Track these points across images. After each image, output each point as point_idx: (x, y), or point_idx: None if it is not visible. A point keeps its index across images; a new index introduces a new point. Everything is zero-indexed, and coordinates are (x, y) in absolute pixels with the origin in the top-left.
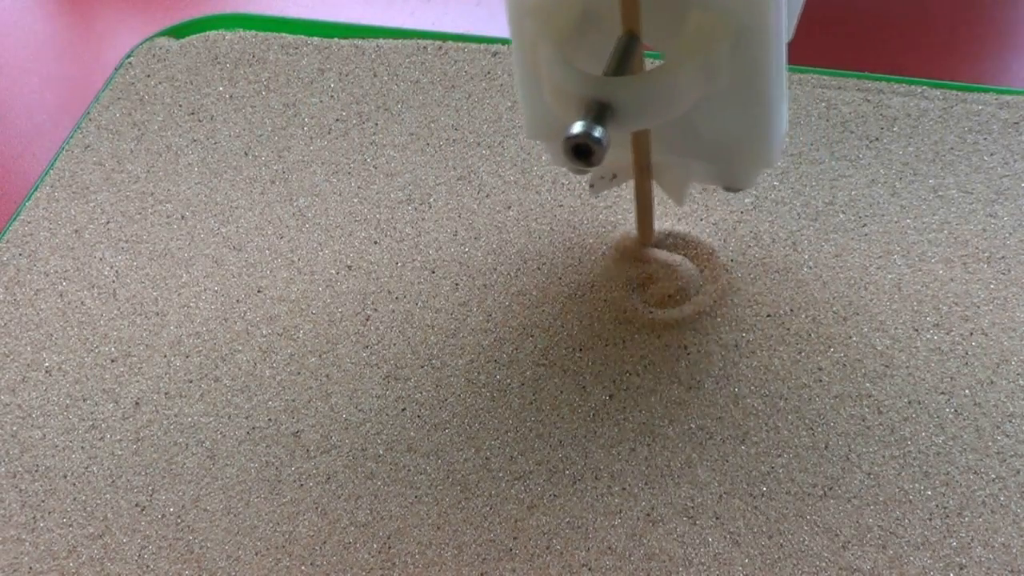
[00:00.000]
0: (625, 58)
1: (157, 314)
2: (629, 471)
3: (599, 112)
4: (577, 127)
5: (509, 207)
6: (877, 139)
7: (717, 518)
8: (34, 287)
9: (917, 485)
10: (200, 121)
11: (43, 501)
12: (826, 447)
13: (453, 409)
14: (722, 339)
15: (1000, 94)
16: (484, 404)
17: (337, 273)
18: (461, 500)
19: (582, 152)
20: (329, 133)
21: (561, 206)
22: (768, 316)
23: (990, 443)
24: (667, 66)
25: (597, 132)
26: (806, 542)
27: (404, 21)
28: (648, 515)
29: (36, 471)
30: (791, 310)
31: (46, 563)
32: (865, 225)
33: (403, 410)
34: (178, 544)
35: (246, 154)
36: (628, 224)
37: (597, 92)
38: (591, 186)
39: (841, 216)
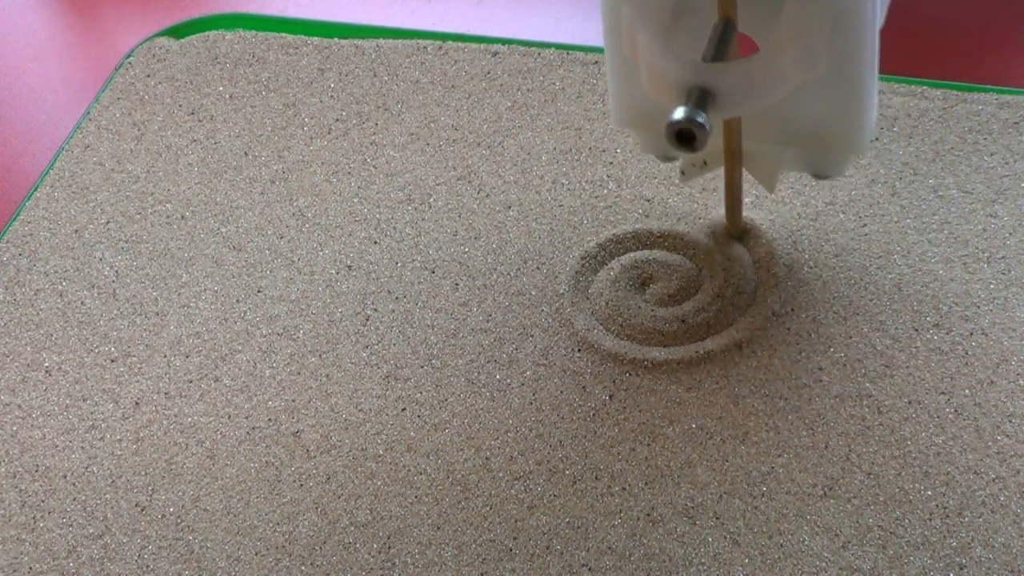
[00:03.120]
0: (722, 44)
1: (157, 314)
2: (629, 471)
3: (700, 98)
4: (679, 113)
5: (509, 207)
6: (877, 139)
7: (717, 518)
8: (34, 287)
9: (917, 485)
10: (200, 121)
11: (43, 501)
12: (826, 447)
13: (453, 409)
14: (722, 339)
15: (1000, 94)
16: (484, 404)
17: (337, 273)
18: (461, 500)
19: (685, 137)
20: (329, 133)
21: (561, 206)
22: (768, 316)
23: (990, 443)
24: (768, 52)
25: (700, 117)
26: (806, 542)
27: (404, 21)
28: (648, 515)
29: (36, 471)
30: (791, 310)
31: (46, 563)
32: (865, 225)
33: (403, 410)
34: (178, 544)
35: (246, 154)
36: (627, 224)
37: (699, 78)
38: (682, 172)
39: (841, 216)
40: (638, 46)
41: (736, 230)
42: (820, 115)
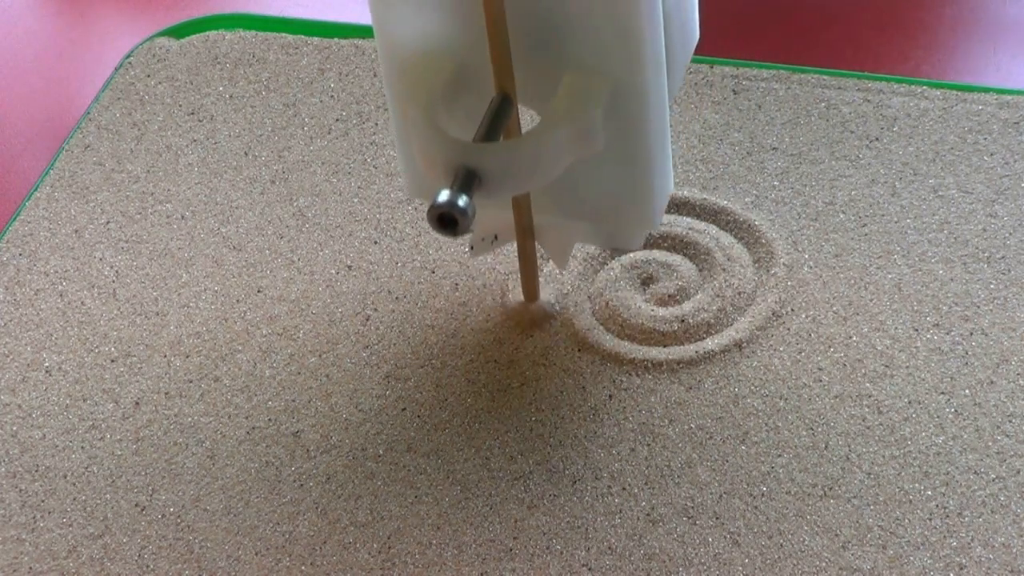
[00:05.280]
0: (497, 121)
1: (157, 314)
2: (629, 471)
3: (466, 179)
4: (442, 196)
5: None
6: (877, 139)
7: (717, 518)
8: (34, 287)
9: (917, 485)
10: (200, 121)
11: (43, 501)
12: (826, 447)
13: (453, 409)
14: (722, 339)
15: (1000, 94)
16: (484, 404)
17: (337, 273)
18: (461, 500)
19: (447, 222)
20: (329, 133)
21: None
22: (768, 316)
23: (990, 443)
24: (538, 131)
25: (462, 201)
26: (806, 542)
27: None
28: (648, 515)
29: (36, 471)
30: (791, 310)
31: (46, 563)
32: (865, 225)
33: (403, 410)
34: (178, 544)
35: (246, 154)
36: None
37: (464, 158)
38: (471, 247)
39: (841, 216)
40: (408, 121)
41: (533, 300)
42: (607, 189)
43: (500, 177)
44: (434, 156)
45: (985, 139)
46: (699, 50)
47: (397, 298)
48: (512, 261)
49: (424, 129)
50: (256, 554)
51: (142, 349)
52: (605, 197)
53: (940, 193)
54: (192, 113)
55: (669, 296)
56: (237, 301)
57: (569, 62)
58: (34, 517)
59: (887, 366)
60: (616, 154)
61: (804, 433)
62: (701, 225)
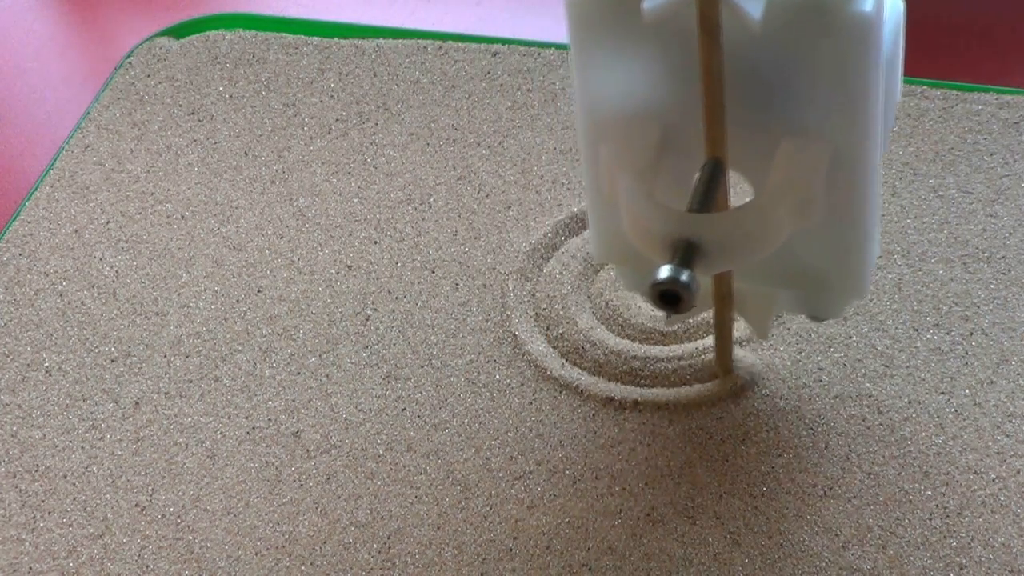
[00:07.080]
0: (711, 190)
1: (157, 314)
2: (629, 471)
3: (686, 252)
4: (664, 272)
5: (509, 207)
6: None
7: (717, 518)
8: (34, 287)
9: (917, 485)
10: (200, 121)
11: (43, 501)
12: (826, 447)
13: (453, 409)
14: None
15: (1000, 94)
16: (484, 404)
17: (337, 273)
18: (461, 500)
19: (670, 299)
20: (329, 133)
21: (560, 206)
22: None
23: (990, 443)
24: (761, 202)
25: (685, 276)
26: (806, 542)
27: (404, 21)
28: (648, 515)
29: (36, 471)
30: None
31: (46, 563)
32: None
33: (403, 410)
34: (178, 544)
35: (246, 154)
36: None
37: (684, 231)
38: (668, 316)
39: None
40: (619, 188)
41: (727, 371)
42: (817, 257)
43: (722, 250)
44: (649, 227)
45: (985, 139)
46: None
47: (397, 298)
48: (512, 261)
49: (639, 199)
50: (256, 554)
51: (142, 349)
52: (815, 266)
53: (940, 193)
54: (192, 113)
55: None
56: (237, 301)
57: (788, 126)
58: (34, 517)
59: (887, 366)
60: (831, 222)
61: (804, 433)
62: None
